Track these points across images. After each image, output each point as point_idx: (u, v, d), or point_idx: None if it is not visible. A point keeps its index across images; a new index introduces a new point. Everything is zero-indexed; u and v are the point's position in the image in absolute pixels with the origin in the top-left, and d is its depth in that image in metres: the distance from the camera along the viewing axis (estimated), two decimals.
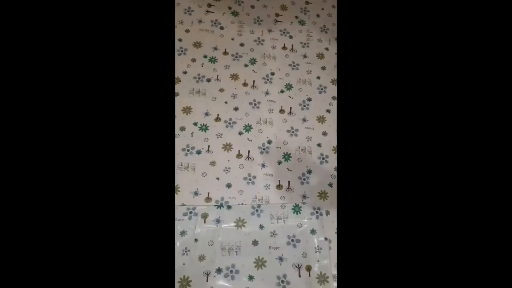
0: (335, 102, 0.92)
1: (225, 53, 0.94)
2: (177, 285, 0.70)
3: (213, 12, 0.99)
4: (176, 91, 0.87)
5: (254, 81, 0.92)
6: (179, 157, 0.81)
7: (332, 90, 0.93)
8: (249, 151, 0.83)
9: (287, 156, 0.84)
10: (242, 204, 0.78)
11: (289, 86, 0.92)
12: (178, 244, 0.73)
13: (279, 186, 0.81)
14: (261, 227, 0.76)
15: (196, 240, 0.74)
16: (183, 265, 0.72)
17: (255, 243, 0.75)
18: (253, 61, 0.94)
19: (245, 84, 0.91)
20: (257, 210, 0.78)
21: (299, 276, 0.73)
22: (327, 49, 0.99)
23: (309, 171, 0.83)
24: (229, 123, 0.86)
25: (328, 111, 0.90)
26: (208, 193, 0.78)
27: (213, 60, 0.93)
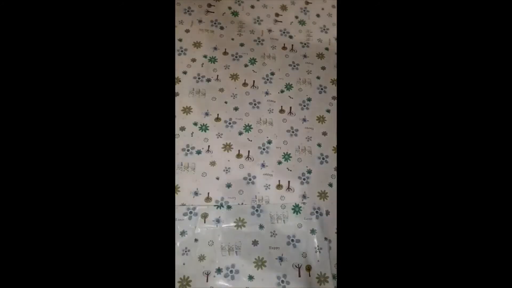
0: (335, 102, 0.92)
1: (225, 53, 0.94)
2: (177, 285, 0.70)
3: (213, 12, 0.99)
4: (176, 91, 0.87)
5: (254, 81, 0.92)
6: (179, 157, 0.81)
7: (332, 90, 0.93)
8: (249, 151, 0.83)
9: (287, 156, 0.84)
10: (242, 204, 0.78)
11: (289, 86, 0.92)
12: (178, 244, 0.73)
13: (279, 186, 0.81)
14: (261, 227, 0.77)
15: (196, 240, 0.74)
16: (183, 265, 0.72)
17: (255, 243, 0.75)
18: (253, 61, 0.94)
19: (245, 84, 0.91)
20: (257, 210, 0.78)
21: (299, 276, 0.73)
22: (327, 49, 0.99)
23: (309, 171, 0.83)
24: (229, 123, 0.86)
25: (328, 111, 0.90)
26: (208, 193, 0.78)
27: (213, 60, 0.93)
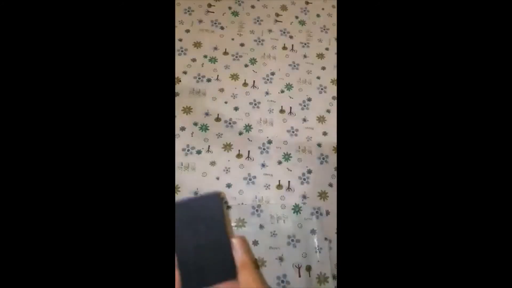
0: (335, 102, 0.92)
1: (225, 53, 0.94)
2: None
3: (213, 12, 0.99)
4: (176, 91, 0.87)
5: (254, 81, 0.92)
6: (179, 157, 0.81)
7: (332, 90, 0.93)
8: (249, 151, 0.83)
9: (287, 156, 0.84)
10: (242, 204, 0.78)
11: (289, 86, 0.92)
12: None
13: (279, 186, 0.81)
14: (261, 227, 0.76)
15: None
16: None
17: (255, 243, 0.75)
18: (253, 61, 0.94)
19: (245, 84, 0.91)
20: (257, 210, 0.78)
21: (299, 276, 0.73)
22: (327, 49, 0.99)
23: (309, 171, 0.83)
24: (229, 123, 0.86)
25: (328, 111, 0.90)
26: None
27: (213, 60, 0.93)
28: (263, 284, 0.40)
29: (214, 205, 0.44)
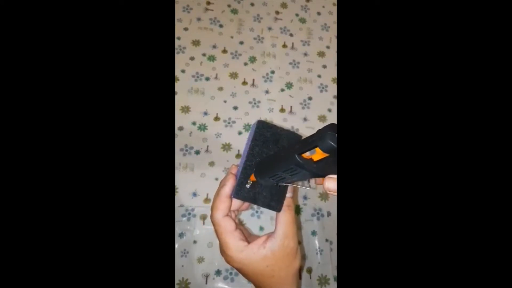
0: (336, 101, 0.90)
1: (224, 51, 0.93)
2: (176, 287, 0.69)
3: (212, 10, 0.98)
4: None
5: (253, 80, 0.90)
6: (177, 157, 0.80)
7: (333, 89, 0.92)
8: None
9: None
10: None
11: (289, 85, 0.91)
12: (176, 246, 0.72)
13: None
14: (261, 228, 0.75)
15: (195, 241, 0.73)
16: (181, 267, 0.71)
17: None
18: (252, 60, 0.93)
19: (244, 83, 0.90)
20: (257, 211, 0.77)
21: (300, 278, 0.72)
22: (328, 47, 0.97)
23: None
24: (228, 123, 0.85)
25: (330, 110, 0.89)
26: (207, 194, 0.77)
27: (212, 58, 0.91)
28: (296, 229, 0.47)
29: (292, 140, 0.48)
